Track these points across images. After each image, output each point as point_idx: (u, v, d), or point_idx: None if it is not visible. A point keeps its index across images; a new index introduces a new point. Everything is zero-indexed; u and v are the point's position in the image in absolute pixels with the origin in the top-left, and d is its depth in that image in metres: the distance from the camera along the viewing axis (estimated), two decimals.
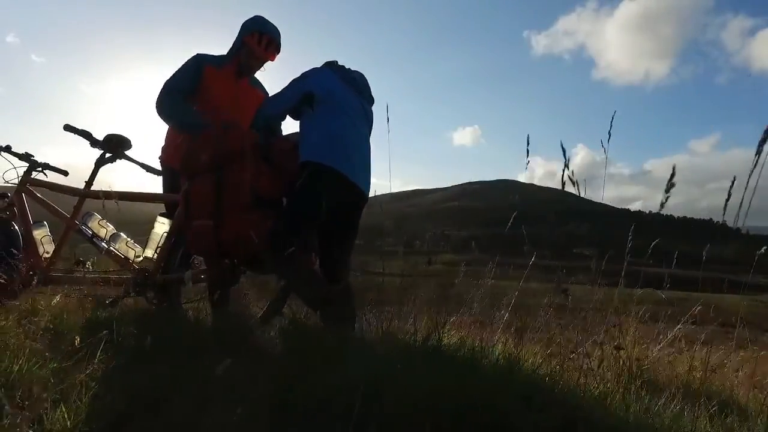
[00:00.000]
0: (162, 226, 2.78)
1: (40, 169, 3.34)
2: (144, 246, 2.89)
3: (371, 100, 2.88)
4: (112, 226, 2.96)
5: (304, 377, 1.40)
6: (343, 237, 2.63)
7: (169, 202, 2.92)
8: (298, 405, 1.37)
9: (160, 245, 2.78)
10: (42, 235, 3.16)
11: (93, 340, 1.62)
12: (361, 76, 2.89)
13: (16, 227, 3.22)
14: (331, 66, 2.78)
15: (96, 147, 3.17)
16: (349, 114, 2.64)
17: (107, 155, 3.15)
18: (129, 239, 2.89)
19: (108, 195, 3.16)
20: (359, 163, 2.59)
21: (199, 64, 3.02)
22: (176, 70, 3.01)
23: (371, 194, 2.71)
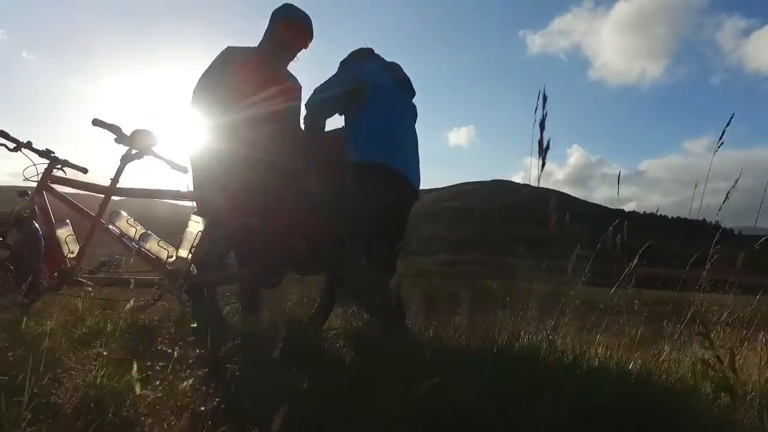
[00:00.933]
0: (196, 225, 2.66)
1: (59, 166, 3.22)
2: (175, 246, 2.77)
3: (413, 92, 2.78)
4: (141, 226, 2.84)
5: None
6: (394, 236, 2.53)
7: (201, 200, 2.80)
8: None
9: (194, 245, 2.65)
10: (66, 234, 3.03)
11: (154, 346, 1.50)
12: (400, 67, 2.79)
13: (37, 226, 3.09)
14: (373, 57, 2.67)
15: (122, 143, 3.05)
16: (398, 108, 2.54)
17: (133, 152, 3.03)
18: (160, 239, 2.77)
19: (134, 193, 3.04)
20: (412, 160, 2.50)
21: (230, 57, 2.91)
22: (208, 66, 2.92)
23: None
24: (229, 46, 2.98)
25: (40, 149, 3.21)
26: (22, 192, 3.20)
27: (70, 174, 3.28)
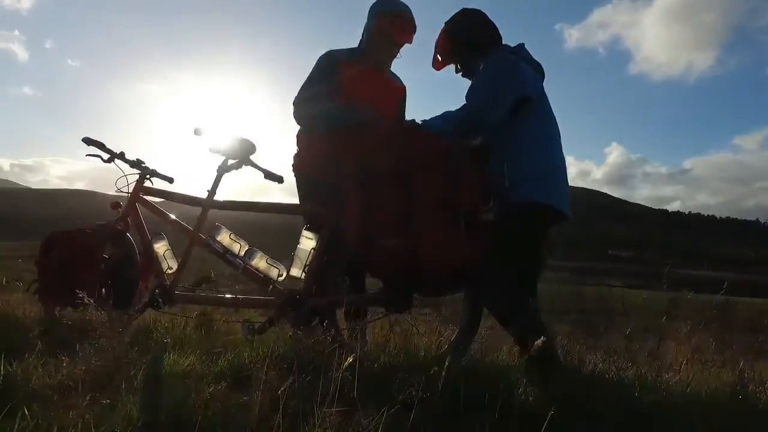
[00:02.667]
0: (309, 242, 2.44)
1: (148, 176, 3.09)
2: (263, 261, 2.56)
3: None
4: (244, 241, 2.65)
5: None
6: (539, 262, 2.27)
7: (310, 214, 2.59)
8: None
9: (307, 263, 2.44)
10: (164, 249, 2.88)
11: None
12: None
13: (132, 240, 2.97)
14: (523, 55, 2.37)
15: (218, 152, 2.88)
16: (555, 122, 2.28)
17: (230, 161, 2.85)
18: (267, 256, 2.57)
19: (234, 205, 2.86)
20: (567, 185, 2.27)
21: (330, 62, 2.70)
22: (308, 75, 2.72)
23: None
24: (328, 51, 2.79)
25: (132, 159, 3.09)
26: (114, 204, 3.07)
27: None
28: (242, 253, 2.61)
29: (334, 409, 1.23)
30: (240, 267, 2.56)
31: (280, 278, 2.52)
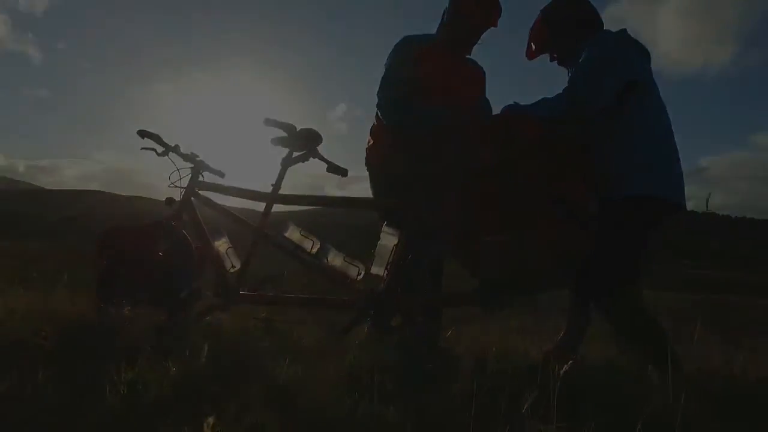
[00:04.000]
0: (391, 238, 2.27)
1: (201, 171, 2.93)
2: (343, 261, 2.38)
3: None
4: (316, 238, 2.48)
5: None
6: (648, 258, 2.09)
7: (386, 209, 2.42)
8: None
9: (390, 261, 2.26)
10: (225, 246, 2.72)
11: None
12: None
13: (188, 237, 2.81)
14: (627, 39, 2.19)
15: (281, 145, 2.71)
16: (664, 108, 2.10)
17: (295, 154, 2.69)
18: (343, 253, 2.39)
19: (302, 200, 2.70)
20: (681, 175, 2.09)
21: (411, 50, 2.51)
22: (388, 60, 2.53)
23: None
24: (406, 37, 2.60)
25: (185, 153, 2.94)
26: (169, 199, 2.92)
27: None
28: (314, 251, 2.44)
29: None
30: (314, 265, 2.38)
31: (359, 277, 2.34)
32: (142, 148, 2.92)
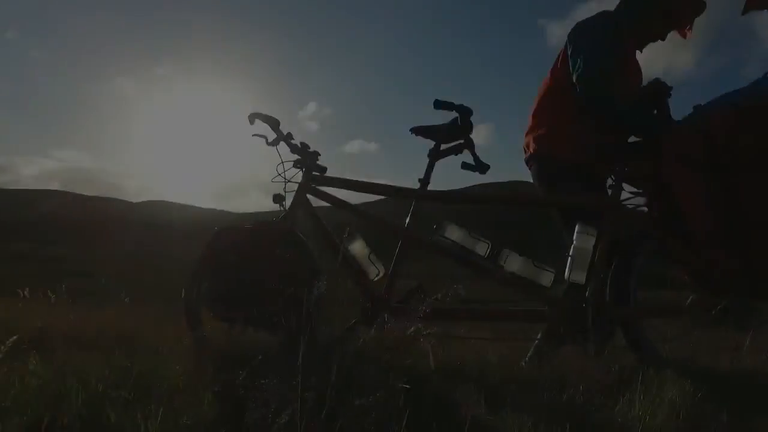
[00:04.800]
0: (589, 239, 1.95)
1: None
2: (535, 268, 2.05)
3: None
4: (486, 239, 2.13)
5: None
6: None
7: (575, 206, 2.10)
8: None
9: (593, 265, 1.95)
10: (364, 250, 2.34)
11: None
12: None
13: (304, 240, 2.42)
14: None
15: (428, 137, 2.35)
16: None
17: (443, 146, 2.33)
18: (529, 258, 2.05)
19: (453, 197, 2.35)
20: None
21: (617, 30, 2.20)
22: (592, 36, 2.19)
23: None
24: (604, 12, 2.29)
25: (295, 143, 2.55)
26: (277, 196, 2.52)
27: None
28: (488, 254, 2.09)
29: None
30: (493, 272, 2.04)
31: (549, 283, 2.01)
32: (253, 135, 2.52)
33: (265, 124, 2.49)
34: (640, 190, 2.07)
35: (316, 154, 2.54)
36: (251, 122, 2.48)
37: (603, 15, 2.25)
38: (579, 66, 2.09)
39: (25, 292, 3.39)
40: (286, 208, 2.41)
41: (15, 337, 1.37)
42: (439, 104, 2.20)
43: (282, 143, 2.50)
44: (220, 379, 1.33)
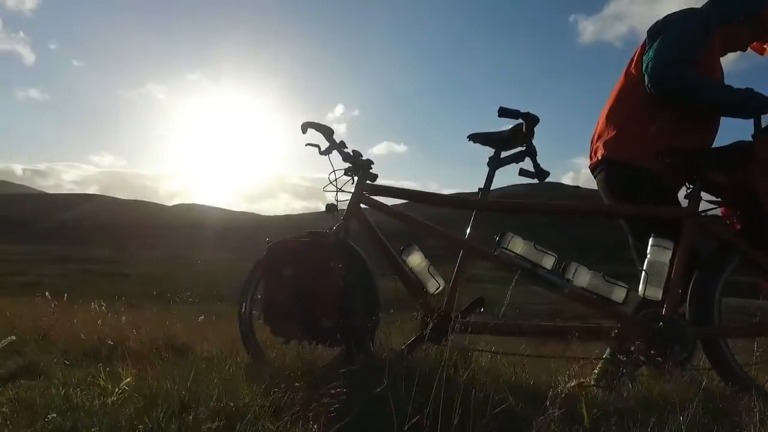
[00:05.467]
0: (665, 253, 1.85)
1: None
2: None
3: None
4: (552, 252, 2.04)
5: None
6: None
7: (648, 217, 1.99)
8: None
9: (669, 279, 1.84)
10: (422, 263, 2.28)
11: None
12: None
13: (360, 252, 2.37)
14: None
15: (486, 144, 2.27)
16: None
17: (504, 153, 2.24)
18: (599, 272, 1.96)
19: (516, 207, 2.26)
20: None
21: (706, 25, 2.09)
22: (678, 25, 2.07)
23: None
24: (691, 10, 2.17)
25: (347, 151, 2.51)
26: (330, 206, 2.48)
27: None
28: (553, 267, 2.00)
29: None
30: (562, 286, 1.95)
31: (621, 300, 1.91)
32: (306, 144, 2.50)
33: (318, 133, 2.48)
34: (721, 199, 1.95)
35: (370, 162, 2.50)
36: (304, 131, 2.46)
37: (690, 11, 2.13)
38: (654, 52, 1.99)
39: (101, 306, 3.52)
40: (340, 217, 2.39)
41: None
42: (504, 112, 2.13)
43: (335, 152, 2.48)
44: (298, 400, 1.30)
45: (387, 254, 2.32)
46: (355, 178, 2.47)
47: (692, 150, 1.95)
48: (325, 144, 2.47)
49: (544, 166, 2.20)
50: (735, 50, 2.24)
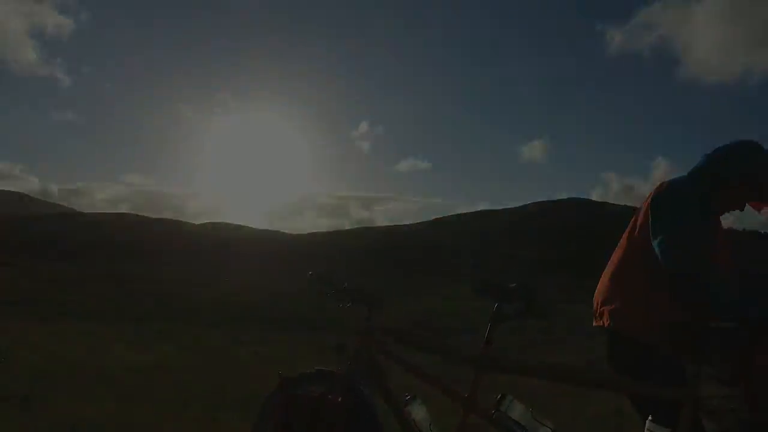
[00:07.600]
0: None
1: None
2: None
3: None
4: (551, 422, 2.07)
5: None
6: None
7: (647, 396, 2.00)
8: None
9: None
10: (426, 417, 2.32)
11: None
12: None
13: (373, 403, 2.41)
14: None
15: (488, 297, 2.32)
16: None
17: (505, 308, 2.29)
18: None
19: (519, 369, 2.29)
20: None
21: (709, 194, 2.15)
22: (680, 202, 2.10)
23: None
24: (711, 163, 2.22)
25: (358, 290, 2.59)
26: (339, 346, 2.54)
27: None
28: None
29: None
30: None
31: None
32: (317, 292, 2.61)
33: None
34: (727, 384, 1.94)
35: (381, 300, 2.56)
36: (309, 282, 2.58)
37: (689, 181, 2.16)
38: (664, 233, 2.03)
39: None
40: (348, 359, 2.44)
41: None
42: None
43: (343, 293, 2.57)
44: None
45: (392, 403, 2.36)
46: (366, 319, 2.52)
47: (698, 325, 1.88)
48: (331, 289, 2.57)
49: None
50: (732, 210, 2.25)
